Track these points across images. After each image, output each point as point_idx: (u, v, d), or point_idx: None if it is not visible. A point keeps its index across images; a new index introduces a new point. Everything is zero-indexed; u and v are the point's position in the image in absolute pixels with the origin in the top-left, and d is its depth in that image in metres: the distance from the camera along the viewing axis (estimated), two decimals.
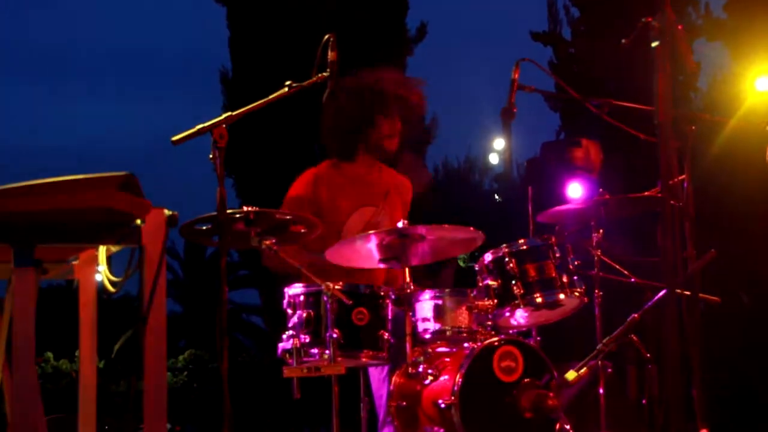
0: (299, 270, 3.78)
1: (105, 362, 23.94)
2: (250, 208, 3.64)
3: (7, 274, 2.74)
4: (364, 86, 4.57)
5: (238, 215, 3.60)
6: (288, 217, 3.81)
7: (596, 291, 4.37)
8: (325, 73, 3.67)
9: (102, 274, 3.26)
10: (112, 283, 3.19)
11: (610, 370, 5.11)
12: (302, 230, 3.85)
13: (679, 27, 2.93)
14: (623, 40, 3.16)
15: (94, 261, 3.25)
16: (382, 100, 4.53)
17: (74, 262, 3.47)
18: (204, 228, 3.60)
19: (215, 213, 3.29)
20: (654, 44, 2.77)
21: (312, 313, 3.78)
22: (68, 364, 21.69)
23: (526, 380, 3.78)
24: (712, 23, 11.82)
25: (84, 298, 3.43)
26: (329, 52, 3.64)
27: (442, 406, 3.68)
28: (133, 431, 2.82)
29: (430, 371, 3.82)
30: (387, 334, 3.85)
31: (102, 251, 3.20)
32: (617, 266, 4.68)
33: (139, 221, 2.77)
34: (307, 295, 3.82)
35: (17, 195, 2.57)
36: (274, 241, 3.73)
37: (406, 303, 3.85)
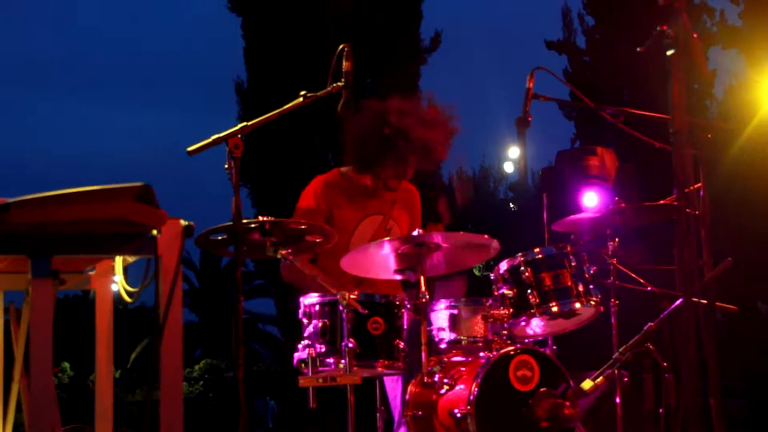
0: (314, 279, 3.80)
1: (121, 372, 24.02)
2: (265, 218, 3.66)
3: (24, 285, 2.75)
4: (387, 118, 4.42)
5: (253, 225, 3.61)
6: (303, 227, 3.81)
7: (612, 300, 4.35)
8: (339, 83, 3.68)
9: (118, 284, 3.27)
10: (128, 293, 3.20)
11: (626, 379, 5.09)
12: (318, 240, 3.85)
13: (694, 35, 2.92)
14: (638, 48, 3.15)
15: (111, 271, 3.27)
16: (397, 143, 4.40)
17: (91, 273, 3.49)
18: (219, 238, 3.62)
19: (230, 223, 3.30)
20: (669, 52, 2.77)
21: (327, 323, 3.78)
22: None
23: (542, 389, 3.77)
24: (727, 31, 11.79)
25: (100, 308, 3.44)
26: (344, 62, 3.65)
27: (458, 415, 3.68)
28: None
29: (445, 381, 3.81)
30: (402, 343, 3.85)
31: (118, 261, 3.21)
32: (633, 275, 4.66)
33: (155, 232, 2.79)
34: (322, 304, 3.82)
35: (34, 206, 2.58)
36: (289, 250, 3.74)
37: (422, 312, 3.85)
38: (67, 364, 22.40)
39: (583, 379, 3.76)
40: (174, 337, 2.78)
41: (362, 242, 4.45)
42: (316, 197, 4.56)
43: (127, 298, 3.19)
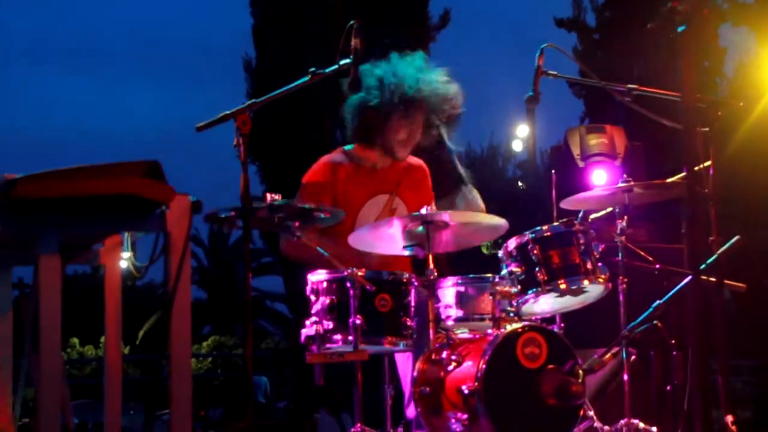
0: (320, 257, 3.80)
1: (130, 348, 24.13)
2: (274, 196, 3.66)
3: (33, 261, 2.76)
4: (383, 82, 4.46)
5: (262, 205, 3.61)
6: (310, 207, 3.82)
7: (620, 277, 4.35)
8: (348, 60, 3.67)
9: (127, 261, 3.28)
10: (137, 269, 3.21)
11: (634, 356, 5.09)
12: (326, 215, 3.86)
13: (705, 12, 2.90)
14: (649, 25, 3.13)
15: (120, 247, 3.28)
16: (396, 101, 4.43)
17: (99, 249, 3.49)
18: (226, 215, 3.62)
19: (238, 204, 3.30)
20: (680, 29, 2.75)
21: (335, 300, 3.79)
22: (93, 349, 21.87)
23: (549, 367, 3.77)
24: (738, 8, 11.70)
25: (109, 284, 3.45)
26: (352, 39, 3.63)
27: (466, 392, 3.68)
28: (158, 416, 2.84)
29: (453, 357, 3.82)
30: (410, 320, 3.86)
31: (127, 238, 3.22)
32: (642, 252, 4.66)
33: (163, 208, 2.79)
34: (330, 281, 3.83)
35: (43, 181, 2.59)
36: (297, 224, 3.75)
37: (430, 289, 3.85)
38: (76, 340, 22.52)
39: (591, 357, 3.76)
40: (183, 313, 2.79)
41: (367, 222, 4.45)
42: (326, 174, 4.54)
43: (135, 274, 3.20)
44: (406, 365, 4.24)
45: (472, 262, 4.69)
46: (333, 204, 4.40)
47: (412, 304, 3.89)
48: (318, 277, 3.86)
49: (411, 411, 4.12)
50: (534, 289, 4.03)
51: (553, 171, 5.26)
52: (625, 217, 4.43)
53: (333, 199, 4.47)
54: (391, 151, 4.55)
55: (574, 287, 4.06)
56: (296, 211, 3.77)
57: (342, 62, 3.67)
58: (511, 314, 4.01)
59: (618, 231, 4.40)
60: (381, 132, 4.51)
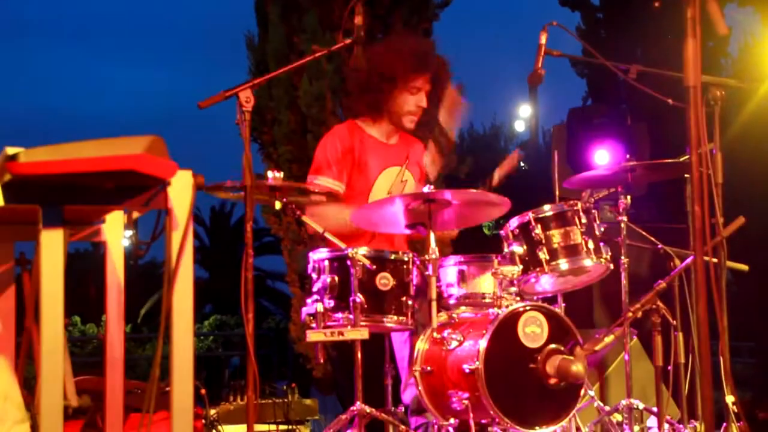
0: (322, 234, 3.81)
1: (131, 327, 24.18)
2: (275, 172, 3.66)
3: (35, 236, 2.75)
4: (400, 41, 4.55)
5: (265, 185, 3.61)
6: (311, 189, 3.82)
7: (622, 257, 4.35)
8: (350, 38, 3.65)
9: (129, 238, 3.27)
10: (138, 245, 3.20)
11: (635, 336, 5.10)
12: (325, 197, 3.87)
13: None
14: (654, 3, 3.11)
15: (121, 224, 3.27)
16: (417, 53, 4.48)
17: (101, 225, 3.48)
18: (232, 194, 3.62)
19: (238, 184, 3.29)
20: (685, 8, 2.73)
21: (336, 278, 3.79)
22: (95, 328, 21.91)
23: (551, 346, 3.77)
24: None
25: (111, 262, 3.44)
26: (355, 17, 3.62)
27: (467, 371, 3.69)
28: (159, 395, 2.84)
29: (454, 336, 3.82)
30: (411, 299, 3.86)
31: (129, 215, 3.21)
32: (644, 232, 4.66)
33: (166, 184, 2.78)
34: (331, 260, 3.83)
35: (46, 156, 2.58)
36: (293, 206, 3.75)
37: (431, 268, 3.85)
38: (77, 318, 22.55)
39: (592, 337, 3.76)
40: (185, 289, 2.78)
41: (381, 194, 4.46)
42: (337, 146, 4.51)
43: (137, 251, 3.19)
44: (403, 348, 4.24)
45: (474, 243, 4.69)
46: (350, 173, 4.40)
47: (414, 283, 3.89)
48: (319, 255, 3.86)
49: (407, 396, 4.13)
50: (536, 269, 4.03)
51: (555, 151, 5.24)
52: (628, 197, 4.43)
53: (348, 170, 4.45)
54: (399, 122, 4.55)
55: (575, 267, 4.06)
56: (296, 189, 3.77)
57: (345, 40, 3.66)
58: (513, 294, 4.01)
59: (620, 210, 4.40)
60: (389, 102, 4.50)
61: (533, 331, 3.78)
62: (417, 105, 4.51)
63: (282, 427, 5.47)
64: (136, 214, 3.23)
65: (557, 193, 4.57)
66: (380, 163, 4.57)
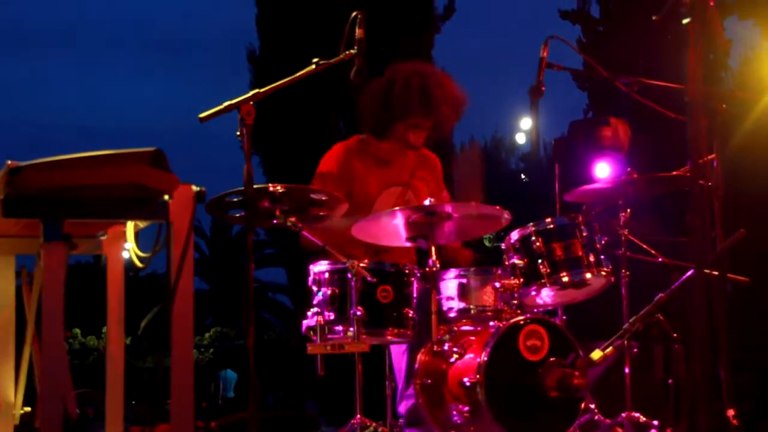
0: (323, 248, 3.80)
1: (132, 339, 24.17)
2: (277, 186, 3.65)
3: (36, 249, 2.76)
4: (416, 75, 4.48)
5: (265, 191, 3.60)
6: (314, 196, 3.80)
7: (623, 270, 4.34)
8: (352, 51, 3.65)
9: (130, 251, 3.27)
10: (139, 258, 3.20)
11: (636, 350, 5.09)
12: (324, 213, 3.85)
13: (711, 3, 2.89)
14: (654, 17, 3.12)
15: (122, 237, 3.27)
16: (426, 95, 4.43)
17: (102, 238, 3.49)
18: (232, 200, 3.61)
19: (242, 189, 3.29)
20: (685, 21, 2.74)
21: (337, 291, 3.78)
22: (95, 340, 21.90)
23: (551, 359, 3.77)
24: (744, 0, 11.65)
25: (112, 274, 3.45)
26: (357, 30, 3.62)
27: (468, 384, 3.69)
28: (160, 406, 2.84)
29: (455, 349, 3.82)
30: (411, 311, 3.85)
31: (130, 227, 3.21)
32: (644, 246, 4.65)
33: (167, 197, 2.78)
34: (332, 272, 3.83)
35: (47, 170, 2.58)
36: (294, 219, 3.74)
37: (432, 281, 3.85)
38: (78, 330, 22.55)
39: (593, 350, 3.76)
40: (185, 302, 2.78)
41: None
42: (338, 163, 4.52)
43: (138, 263, 3.19)
44: (401, 360, 4.23)
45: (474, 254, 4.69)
46: (347, 194, 4.40)
47: (414, 295, 3.89)
48: (320, 267, 3.86)
49: (403, 407, 4.13)
50: (537, 282, 4.03)
51: (556, 164, 5.25)
52: (629, 210, 4.43)
53: (347, 188, 4.45)
54: (405, 141, 4.54)
55: (576, 280, 4.06)
56: (298, 203, 3.76)
57: (346, 52, 3.66)
58: (514, 306, 4.00)
59: (621, 224, 4.40)
60: (396, 122, 4.49)
61: (534, 344, 3.78)
62: (417, 140, 4.52)
63: None
64: (137, 227, 3.23)
65: (558, 205, 4.57)
66: (381, 183, 4.57)
